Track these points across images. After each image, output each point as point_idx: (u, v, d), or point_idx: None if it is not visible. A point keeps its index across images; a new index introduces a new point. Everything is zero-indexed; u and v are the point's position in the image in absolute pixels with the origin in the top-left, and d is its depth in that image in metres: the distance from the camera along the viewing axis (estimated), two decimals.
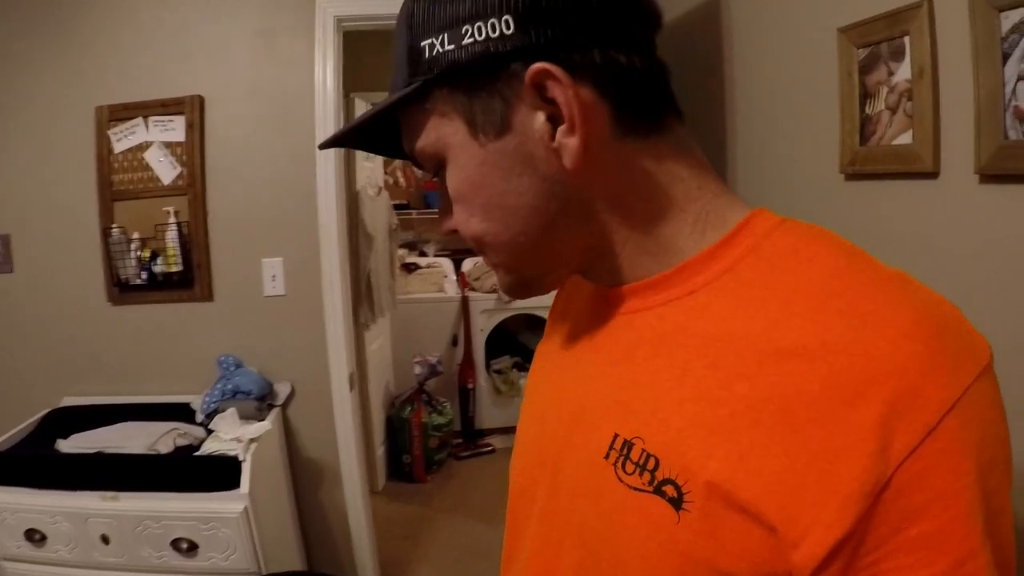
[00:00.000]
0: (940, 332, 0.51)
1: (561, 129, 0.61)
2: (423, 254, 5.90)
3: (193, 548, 2.08)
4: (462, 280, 5.13)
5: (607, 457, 0.64)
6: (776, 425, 0.52)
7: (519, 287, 0.73)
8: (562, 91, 0.59)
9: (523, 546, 0.79)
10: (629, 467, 0.62)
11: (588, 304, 0.80)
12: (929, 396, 0.48)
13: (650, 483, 0.59)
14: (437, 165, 0.68)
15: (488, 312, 4.96)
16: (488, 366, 5.03)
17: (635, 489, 0.60)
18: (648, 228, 0.66)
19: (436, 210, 5.14)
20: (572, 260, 0.70)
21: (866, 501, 0.48)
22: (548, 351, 0.90)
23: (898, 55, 1.33)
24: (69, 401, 2.66)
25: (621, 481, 0.62)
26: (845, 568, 0.49)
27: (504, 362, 5.16)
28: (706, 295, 0.63)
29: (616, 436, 0.64)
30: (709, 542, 0.54)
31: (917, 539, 0.47)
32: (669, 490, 0.57)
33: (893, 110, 1.36)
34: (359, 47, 3.18)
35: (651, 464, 0.60)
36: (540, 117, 0.61)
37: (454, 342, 5.04)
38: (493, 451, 4.80)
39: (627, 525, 0.61)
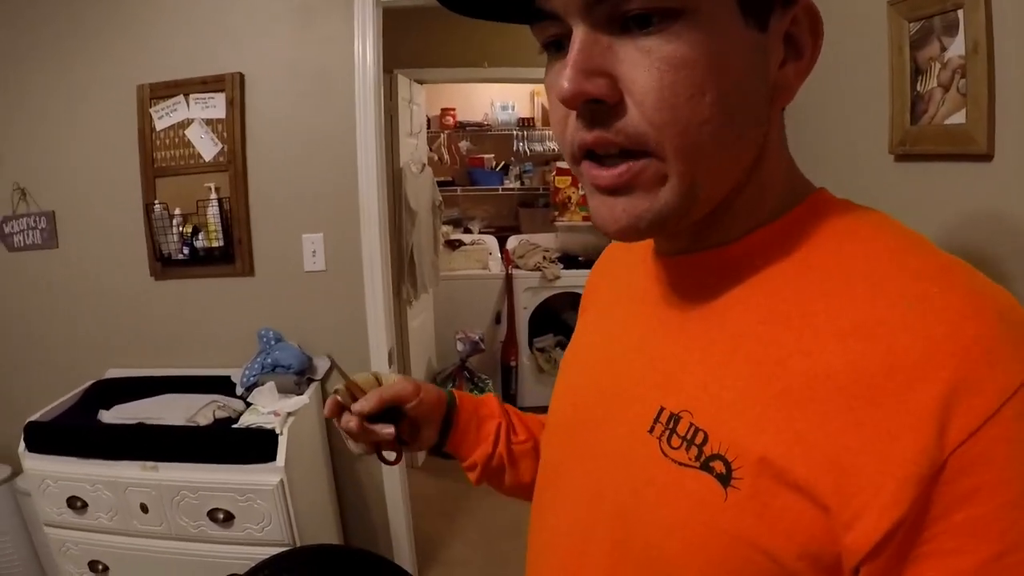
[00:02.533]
0: (1001, 318, 0.50)
1: (795, 65, 0.61)
2: (467, 231, 5.91)
3: (229, 518, 2.12)
4: (506, 257, 5.13)
5: (651, 431, 0.64)
6: (833, 403, 0.52)
7: (667, 215, 0.58)
8: (815, 33, 0.61)
9: (552, 524, 0.79)
10: (675, 441, 0.61)
11: (631, 281, 0.79)
12: (990, 381, 0.47)
13: (697, 458, 0.58)
14: (664, 8, 0.53)
15: (532, 290, 4.96)
16: (531, 344, 5.04)
17: (680, 464, 0.60)
18: (762, 192, 0.64)
19: (481, 188, 5.19)
20: (716, 198, 0.61)
21: (922, 484, 0.47)
22: (585, 329, 0.89)
23: (951, 29, 1.27)
24: (113, 373, 2.73)
25: (665, 456, 0.61)
26: (897, 552, 0.48)
27: (547, 340, 5.16)
28: (765, 272, 0.62)
29: (662, 409, 0.64)
30: (757, 521, 0.54)
31: (963, 524, 0.46)
32: (718, 466, 0.56)
33: (946, 88, 1.30)
34: (400, 23, 3.17)
35: (699, 438, 0.59)
36: (781, 40, 0.60)
37: (497, 319, 5.05)
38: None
39: (668, 502, 0.60)
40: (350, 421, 0.94)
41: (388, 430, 0.94)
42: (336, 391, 0.95)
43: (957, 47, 1.26)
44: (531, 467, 1.00)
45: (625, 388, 0.70)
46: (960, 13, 1.24)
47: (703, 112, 0.55)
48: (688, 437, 0.60)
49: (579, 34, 0.55)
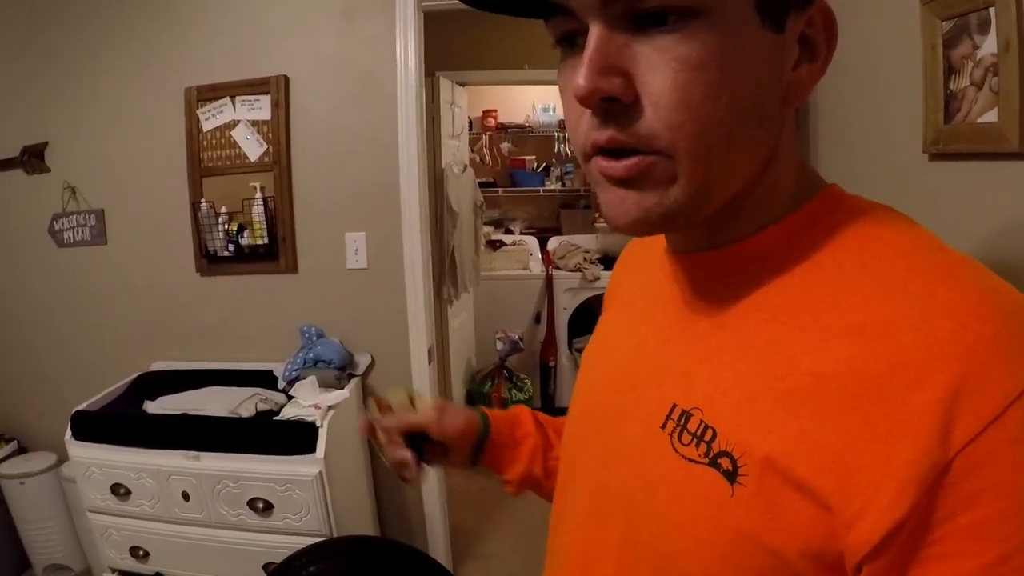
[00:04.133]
0: (1009, 319, 0.49)
1: (809, 67, 0.61)
2: (509, 231, 5.92)
3: (268, 508, 2.17)
4: (547, 258, 5.14)
5: (663, 427, 0.64)
6: (838, 402, 0.52)
7: (675, 212, 0.58)
8: (831, 35, 0.61)
9: (571, 518, 0.79)
10: (686, 438, 0.61)
11: (651, 279, 0.80)
12: (996, 382, 0.47)
13: (706, 455, 0.59)
14: (682, 7, 0.52)
15: (572, 291, 4.96)
16: (570, 344, 5.03)
17: (690, 460, 0.60)
18: (771, 192, 0.64)
19: (522, 189, 5.19)
20: (725, 198, 0.61)
21: (925, 486, 0.46)
22: (606, 326, 0.90)
23: (984, 27, 1.26)
24: (159, 366, 2.80)
25: (676, 451, 0.62)
26: (899, 553, 0.48)
27: (586, 341, 5.07)
28: (775, 271, 0.62)
29: (674, 406, 0.64)
30: (761, 518, 0.54)
31: (968, 527, 0.46)
32: (724, 462, 0.57)
33: (979, 86, 1.29)
34: (442, 26, 3.20)
35: (708, 435, 0.59)
36: (796, 41, 0.59)
37: (537, 320, 5.05)
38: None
39: (677, 497, 0.61)
40: (380, 434, 0.99)
41: (405, 455, 0.97)
42: (366, 407, 0.97)
43: (989, 45, 1.25)
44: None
45: (640, 385, 0.71)
46: (992, 11, 1.23)
47: (718, 113, 0.55)
48: (698, 434, 0.60)
49: (595, 31, 0.54)
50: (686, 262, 0.70)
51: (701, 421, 0.61)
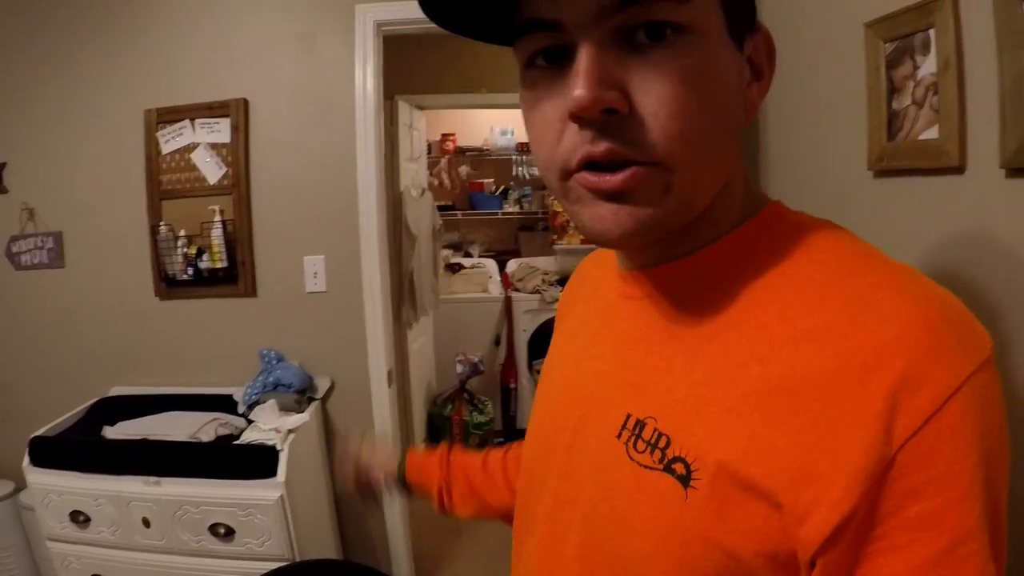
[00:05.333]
0: (945, 320, 0.52)
1: (757, 86, 0.65)
2: (468, 255, 5.93)
3: (230, 533, 2.14)
4: (505, 280, 5.15)
5: (619, 436, 0.66)
6: (786, 405, 0.54)
7: (665, 222, 0.60)
8: (771, 58, 0.66)
9: (533, 531, 0.80)
10: (640, 445, 0.63)
11: (601, 293, 0.82)
12: (933, 380, 0.49)
13: (660, 461, 0.61)
14: (678, 24, 0.55)
15: (531, 312, 4.97)
16: (530, 366, 5.03)
17: (645, 467, 0.62)
18: (725, 204, 0.67)
19: (480, 212, 5.19)
20: (707, 202, 0.63)
21: (871, 480, 0.49)
22: (562, 339, 0.92)
23: (925, 48, 1.32)
24: (117, 391, 2.75)
25: (632, 459, 0.64)
26: (850, 546, 0.50)
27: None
28: (725, 281, 0.64)
29: (629, 416, 0.66)
30: (715, 520, 0.56)
31: (915, 519, 0.49)
32: (679, 468, 0.59)
33: (920, 104, 1.34)
34: (401, 50, 3.23)
35: (662, 443, 0.61)
36: (747, 64, 0.64)
37: (497, 342, 5.05)
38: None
39: (634, 503, 0.62)
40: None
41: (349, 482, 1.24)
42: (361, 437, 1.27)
43: (930, 65, 1.30)
44: (470, 510, 1.16)
45: (596, 397, 0.73)
46: (932, 32, 1.28)
47: (709, 125, 0.58)
48: (652, 441, 0.62)
49: (590, 45, 0.55)
50: (639, 277, 0.72)
51: (655, 429, 0.63)
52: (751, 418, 0.56)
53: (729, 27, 0.60)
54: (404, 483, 1.20)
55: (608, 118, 0.56)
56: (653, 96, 0.55)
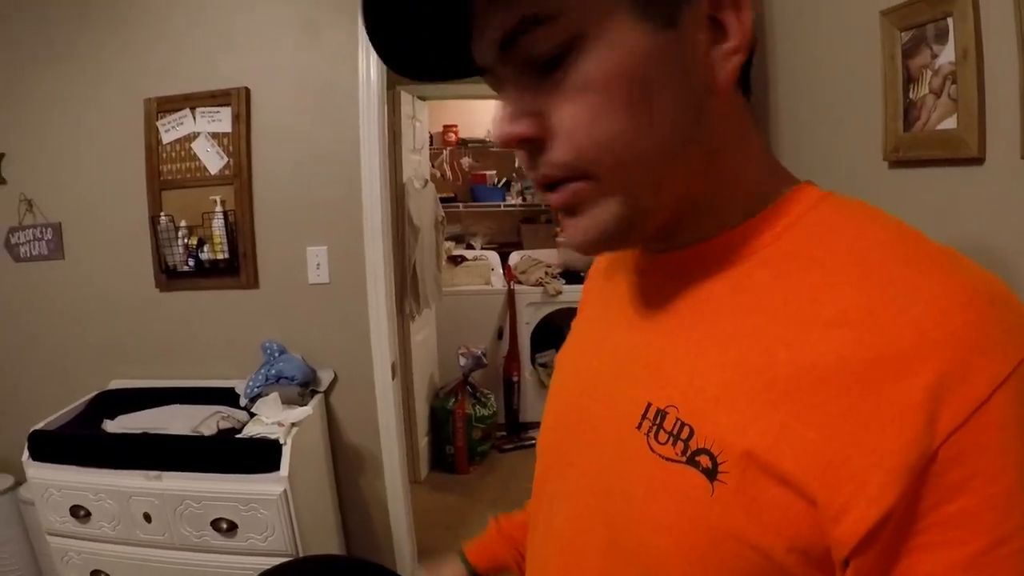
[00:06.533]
0: (992, 306, 0.49)
1: (727, 45, 0.59)
2: (470, 247, 5.91)
3: (232, 528, 2.12)
4: (508, 273, 5.14)
5: (639, 427, 0.63)
6: (819, 394, 0.51)
7: (614, 230, 0.60)
8: (737, 13, 0.59)
9: (547, 527, 0.78)
10: (662, 437, 0.61)
11: (623, 278, 0.79)
12: (980, 369, 0.46)
13: (683, 453, 0.58)
14: (558, 45, 0.55)
15: (534, 305, 4.96)
16: (533, 359, 5.04)
17: (667, 460, 0.59)
18: (730, 187, 0.64)
19: (483, 204, 5.19)
20: (671, 204, 0.62)
21: (911, 475, 0.46)
22: (580, 327, 0.90)
23: (942, 37, 1.29)
24: (117, 384, 2.74)
25: (653, 451, 0.61)
26: (887, 545, 0.48)
27: (549, 355, 5.15)
28: (749, 265, 0.62)
29: (649, 405, 0.63)
30: (744, 515, 0.53)
31: (956, 515, 0.46)
32: (703, 460, 0.56)
33: (937, 94, 1.32)
34: None
35: (685, 433, 0.59)
36: (704, 25, 0.58)
37: (500, 335, 5.05)
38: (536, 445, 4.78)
39: (656, 499, 0.60)
40: None
41: None
42: None
43: (948, 54, 1.28)
44: None
45: (614, 387, 0.71)
46: (950, 21, 1.26)
47: (625, 129, 0.56)
48: (674, 432, 0.59)
49: (505, 79, 0.60)
50: (659, 261, 0.71)
51: (677, 419, 0.60)
52: (780, 407, 0.53)
53: (636, 8, 0.55)
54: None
55: (530, 145, 0.59)
56: (562, 115, 0.56)
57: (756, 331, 0.58)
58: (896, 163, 1.48)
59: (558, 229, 5.29)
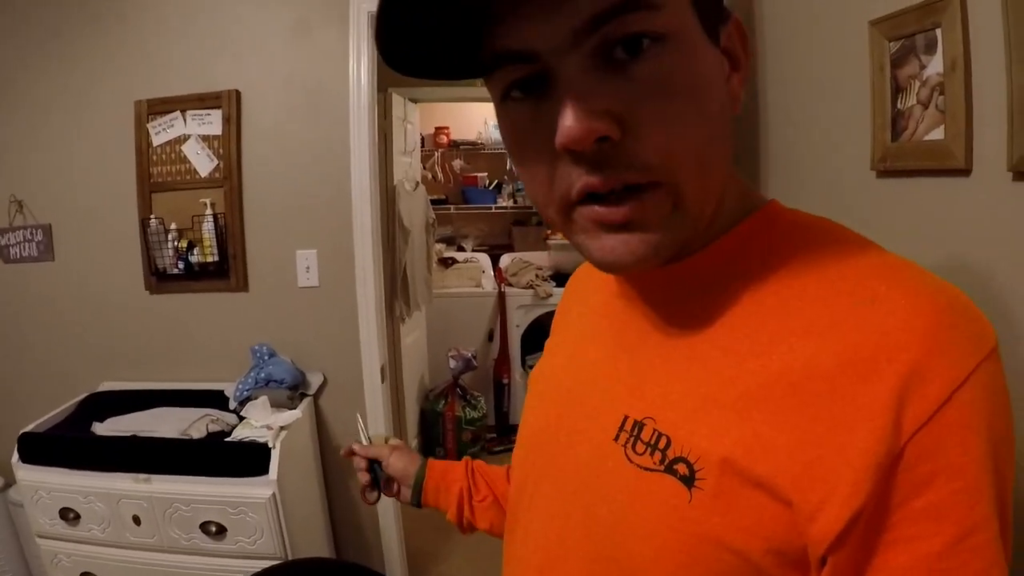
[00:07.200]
0: (950, 311, 0.52)
1: (736, 76, 0.62)
2: (461, 249, 5.91)
3: (221, 531, 2.12)
4: (499, 275, 5.14)
5: (616, 439, 0.65)
6: (789, 400, 0.54)
7: (665, 252, 0.58)
8: (745, 45, 0.63)
9: (525, 539, 0.79)
10: (639, 447, 0.62)
11: (597, 297, 0.81)
12: (941, 371, 0.49)
13: (661, 462, 0.60)
14: (652, 34, 0.52)
15: (524, 308, 4.96)
16: (523, 362, 5.03)
17: (645, 469, 0.61)
18: (719, 207, 0.64)
19: (474, 206, 5.18)
20: (713, 208, 0.62)
21: (880, 472, 0.49)
22: (556, 343, 0.91)
23: (930, 48, 1.30)
24: (107, 386, 2.73)
25: (631, 462, 0.62)
26: (861, 542, 0.50)
27: (539, 358, 5.14)
28: (723, 281, 0.63)
29: (626, 418, 0.65)
30: (722, 519, 0.55)
31: (923, 510, 0.48)
32: (681, 468, 0.58)
33: (925, 105, 1.33)
34: None
35: (662, 443, 0.60)
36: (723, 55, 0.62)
37: (490, 337, 5.04)
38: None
39: (635, 508, 0.61)
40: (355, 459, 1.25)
41: (363, 476, 1.22)
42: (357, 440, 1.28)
43: (936, 65, 1.28)
44: (489, 518, 1.12)
45: (591, 401, 0.72)
46: (939, 32, 1.26)
47: (705, 132, 0.56)
48: (652, 442, 0.61)
49: (571, 70, 0.53)
50: (635, 279, 0.72)
51: (654, 430, 0.62)
52: (752, 415, 0.55)
53: (703, 23, 0.57)
54: (419, 489, 1.18)
55: (601, 146, 0.53)
56: (644, 114, 0.53)
57: (728, 345, 0.60)
58: (883, 173, 1.49)
59: (548, 231, 5.29)
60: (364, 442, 1.28)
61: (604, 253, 0.58)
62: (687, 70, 0.54)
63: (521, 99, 0.58)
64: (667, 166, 0.54)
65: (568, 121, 0.51)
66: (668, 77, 0.53)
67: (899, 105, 1.41)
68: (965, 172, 1.23)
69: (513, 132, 0.60)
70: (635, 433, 0.63)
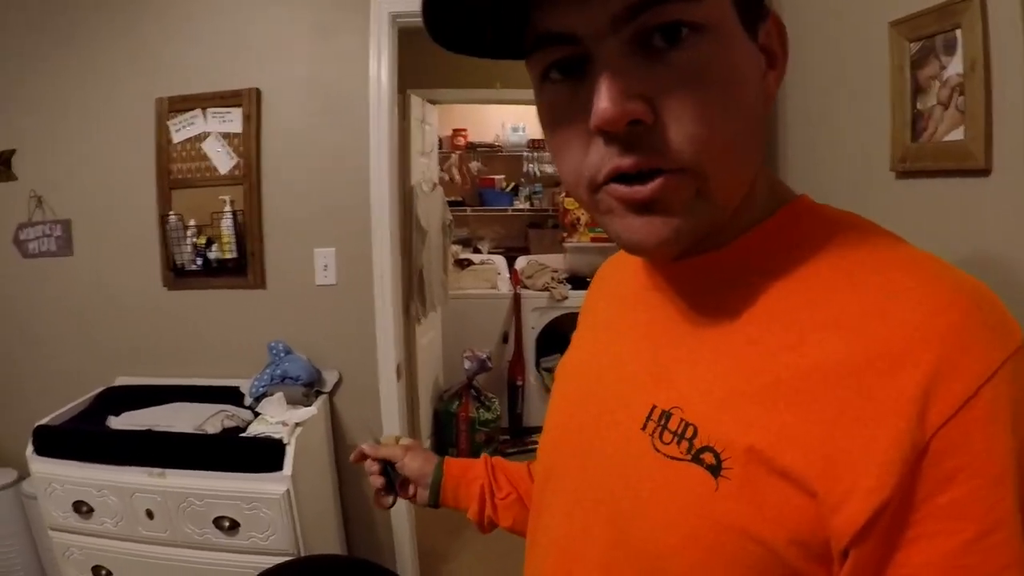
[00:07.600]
0: (977, 307, 0.52)
1: (773, 73, 0.63)
2: (477, 251, 5.93)
3: (234, 526, 2.13)
4: (514, 277, 5.14)
5: (644, 428, 0.65)
6: (817, 393, 0.54)
7: (688, 237, 0.59)
8: (784, 44, 0.63)
9: (549, 527, 0.80)
10: (667, 436, 0.63)
11: (624, 289, 0.82)
12: (967, 366, 0.49)
13: (688, 451, 0.60)
14: (692, 23, 0.54)
15: (540, 310, 4.96)
16: (538, 364, 5.03)
17: (672, 458, 0.61)
18: (749, 200, 0.65)
19: (490, 208, 5.20)
20: (739, 201, 0.63)
21: (905, 467, 0.49)
22: (583, 335, 0.91)
23: (950, 48, 1.30)
24: (123, 381, 2.75)
25: (658, 451, 0.63)
26: (884, 536, 0.50)
27: (554, 360, 5.14)
28: (752, 274, 0.64)
29: (654, 407, 0.65)
30: (747, 509, 0.55)
31: (947, 506, 0.48)
32: (707, 457, 0.58)
33: (945, 105, 1.33)
34: (414, 44, 3.20)
35: (689, 432, 0.61)
36: (760, 52, 0.62)
37: (505, 339, 5.04)
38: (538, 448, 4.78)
39: (662, 496, 0.62)
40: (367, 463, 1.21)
41: (378, 480, 1.18)
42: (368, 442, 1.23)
43: (956, 66, 1.28)
44: (512, 515, 1.11)
45: (618, 391, 0.72)
46: (958, 33, 1.26)
47: (736, 124, 0.57)
48: (679, 432, 0.61)
49: (608, 55, 0.54)
50: (664, 270, 0.72)
51: (682, 419, 0.62)
52: (780, 407, 0.55)
53: (742, 17, 0.58)
54: (437, 489, 1.15)
55: (634, 128, 0.54)
56: (677, 101, 0.54)
57: (757, 337, 0.60)
58: (903, 173, 1.49)
59: (565, 234, 5.29)
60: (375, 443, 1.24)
61: (629, 233, 0.59)
62: (723, 62, 0.55)
63: (560, 80, 0.59)
64: (695, 154, 0.55)
65: (603, 103, 0.53)
66: (704, 67, 0.54)
67: (919, 106, 1.41)
68: (985, 172, 1.23)
69: (550, 112, 0.61)
70: (662, 423, 0.64)
